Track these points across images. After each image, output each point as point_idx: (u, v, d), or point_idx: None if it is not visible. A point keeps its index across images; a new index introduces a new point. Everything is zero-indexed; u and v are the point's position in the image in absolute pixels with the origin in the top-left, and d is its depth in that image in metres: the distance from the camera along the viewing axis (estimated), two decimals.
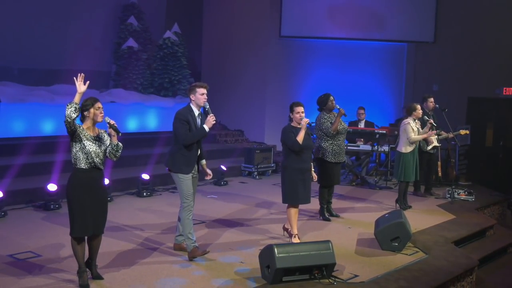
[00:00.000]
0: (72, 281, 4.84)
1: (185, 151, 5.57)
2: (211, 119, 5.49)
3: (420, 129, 8.21)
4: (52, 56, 12.24)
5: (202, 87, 5.61)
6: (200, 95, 5.57)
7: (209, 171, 5.84)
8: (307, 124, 6.14)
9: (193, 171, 5.66)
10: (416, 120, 8.13)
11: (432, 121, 8.30)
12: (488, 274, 6.85)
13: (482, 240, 7.65)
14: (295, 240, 6.17)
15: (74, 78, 4.56)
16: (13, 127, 10.00)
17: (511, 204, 9.80)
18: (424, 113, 9.09)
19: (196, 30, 14.80)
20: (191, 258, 5.52)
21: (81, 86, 4.55)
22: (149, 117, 12.34)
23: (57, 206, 7.56)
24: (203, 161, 5.83)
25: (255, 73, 13.48)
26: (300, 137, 6.06)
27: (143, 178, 8.71)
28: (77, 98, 4.50)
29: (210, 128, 5.57)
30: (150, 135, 11.68)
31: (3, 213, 7.02)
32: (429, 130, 8.25)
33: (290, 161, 6.16)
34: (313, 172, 6.42)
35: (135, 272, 5.15)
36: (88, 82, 4.57)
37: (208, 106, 5.61)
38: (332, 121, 7.36)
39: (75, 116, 4.44)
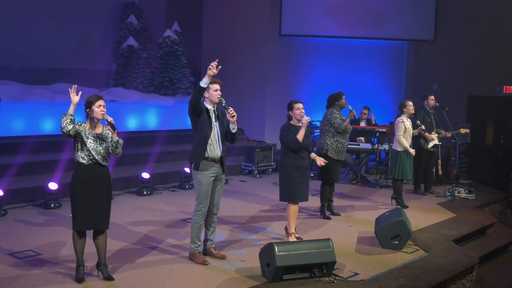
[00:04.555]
0: (72, 280, 4.84)
1: (197, 139, 5.34)
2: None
3: (412, 127, 8.21)
4: (52, 55, 12.26)
5: (215, 83, 5.33)
6: (214, 92, 5.33)
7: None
8: (307, 123, 6.12)
9: (214, 173, 5.40)
10: (408, 119, 8.14)
11: (423, 127, 8.42)
12: (489, 272, 6.84)
13: (483, 238, 7.65)
14: (292, 239, 6.14)
15: (69, 89, 4.76)
16: (13, 126, 10.01)
17: (511, 202, 9.79)
18: (425, 111, 9.11)
19: (196, 28, 14.80)
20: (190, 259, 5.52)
21: (74, 97, 4.71)
22: (149, 116, 12.34)
23: (57, 205, 7.57)
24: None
25: (255, 72, 13.47)
26: (300, 135, 6.02)
27: (143, 177, 8.71)
28: (71, 109, 4.68)
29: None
30: (150, 134, 11.68)
31: (3, 212, 7.03)
32: (417, 133, 8.44)
33: (288, 159, 6.13)
34: (316, 157, 6.54)
35: (137, 272, 5.14)
36: (80, 92, 4.75)
37: (224, 101, 5.36)
38: (342, 118, 7.41)
39: (70, 127, 4.61)
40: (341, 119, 7.38)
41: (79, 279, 4.78)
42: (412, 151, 8.02)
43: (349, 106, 7.47)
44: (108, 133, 4.83)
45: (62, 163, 8.58)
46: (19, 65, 12.04)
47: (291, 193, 6.13)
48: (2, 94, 9.95)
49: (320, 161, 6.54)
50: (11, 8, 11.72)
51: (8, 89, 10.47)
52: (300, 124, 6.12)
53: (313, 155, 6.55)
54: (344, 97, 7.53)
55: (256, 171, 10.85)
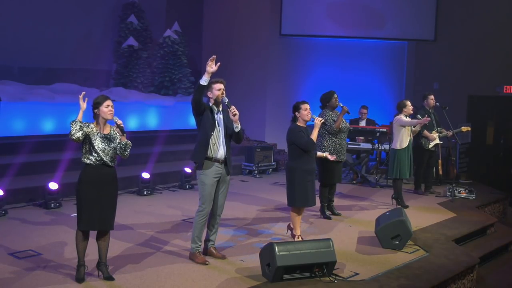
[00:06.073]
0: (72, 279, 4.84)
1: (200, 138, 5.31)
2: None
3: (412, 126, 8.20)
4: (52, 55, 12.25)
5: (218, 82, 5.30)
6: (217, 91, 5.30)
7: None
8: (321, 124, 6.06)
9: (218, 174, 5.37)
10: (407, 117, 8.12)
11: (428, 118, 8.33)
12: (489, 272, 6.84)
13: (483, 238, 7.64)
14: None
15: (79, 96, 4.79)
16: (13, 126, 10.01)
17: None
18: (425, 110, 9.11)
19: (196, 28, 14.79)
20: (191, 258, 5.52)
21: (83, 103, 4.76)
22: (149, 116, 12.34)
23: (57, 204, 7.56)
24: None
25: (255, 72, 13.47)
26: (314, 136, 5.93)
27: (143, 177, 8.71)
28: (80, 116, 4.70)
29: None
30: (151, 134, 11.66)
31: (3, 212, 7.03)
32: (423, 124, 8.32)
33: (298, 162, 5.98)
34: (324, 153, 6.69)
35: (137, 271, 5.14)
36: (86, 99, 4.79)
37: (227, 100, 5.31)
38: (334, 119, 7.36)
39: (79, 134, 4.59)
40: (332, 120, 7.34)
41: (80, 279, 4.79)
42: (434, 135, 8.55)
43: (340, 103, 7.39)
44: (116, 134, 4.84)
45: (62, 163, 8.58)
46: (19, 65, 12.03)
47: (303, 197, 6.02)
48: (2, 94, 9.95)
49: (332, 156, 6.63)
50: (12, 8, 11.71)
51: (8, 89, 10.46)
52: (306, 126, 6.09)
53: (319, 153, 6.57)
54: (335, 95, 7.42)
55: (256, 171, 10.85)
